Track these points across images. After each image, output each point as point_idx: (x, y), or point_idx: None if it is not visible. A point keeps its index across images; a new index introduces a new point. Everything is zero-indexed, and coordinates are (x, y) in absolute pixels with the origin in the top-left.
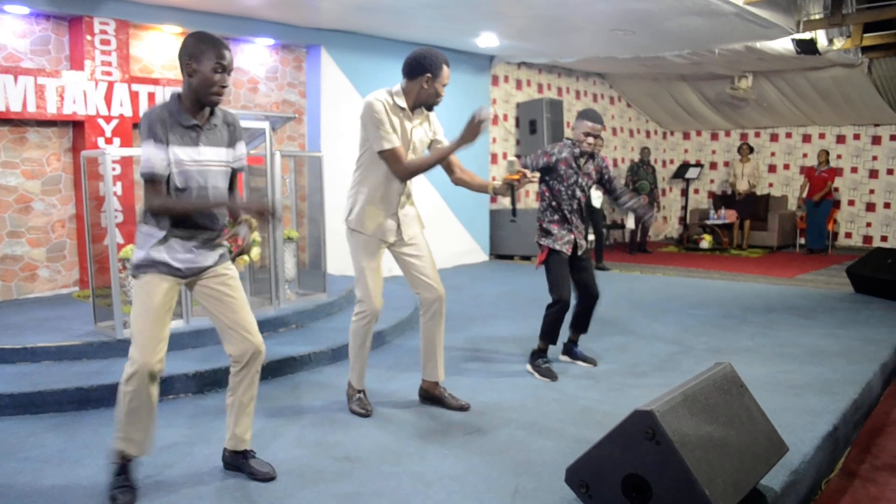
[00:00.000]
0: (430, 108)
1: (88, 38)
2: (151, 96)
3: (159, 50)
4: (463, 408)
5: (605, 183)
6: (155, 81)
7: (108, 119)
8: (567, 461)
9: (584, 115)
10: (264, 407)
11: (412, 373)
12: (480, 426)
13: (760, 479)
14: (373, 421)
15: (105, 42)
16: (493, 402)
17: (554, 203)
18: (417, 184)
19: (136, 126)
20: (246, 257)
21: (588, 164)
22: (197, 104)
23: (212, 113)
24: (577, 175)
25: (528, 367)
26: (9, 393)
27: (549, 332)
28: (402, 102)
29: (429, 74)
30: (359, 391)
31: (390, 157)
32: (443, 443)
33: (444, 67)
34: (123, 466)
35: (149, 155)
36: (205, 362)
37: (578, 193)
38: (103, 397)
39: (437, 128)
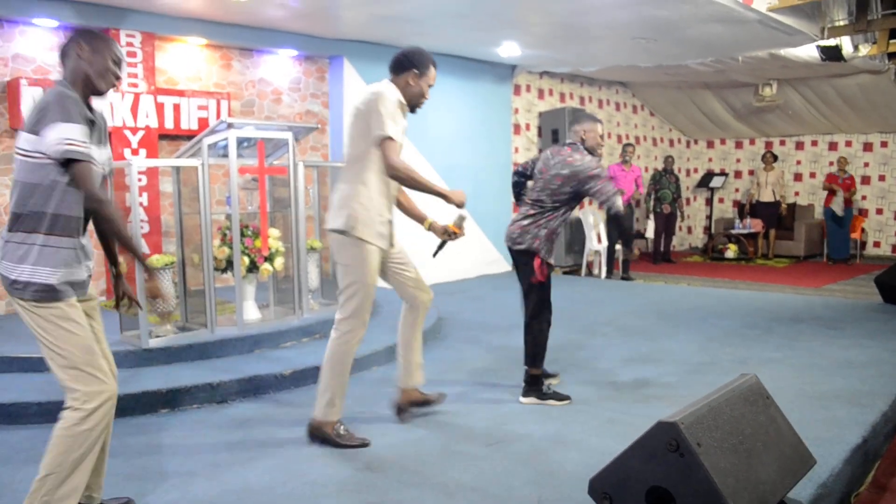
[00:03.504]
0: (412, 110)
1: None
2: (177, 107)
3: (184, 62)
4: (441, 396)
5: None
6: (180, 93)
7: (134, 130)
8: (590, 472)
9: (588, 117)
10: (288, 416)
11: (433, 382)
12: (502, 437)
13: (788, 493)
14: (394, 431)
15: (131, 54)
16: (515, 412)
17: (562, 220)
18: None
19: (161, 137)
20: (269, 267)
21: None
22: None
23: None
24: None
25: (532, 400)
26: (36, 402)
27: (541, 353)
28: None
29: (415, 70)
30: (337, 422)
31: (391, 147)
32: (465, 453)
33: (432, 67)
34: None
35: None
36: (228, 372)
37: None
38: (129, 406)
39: None
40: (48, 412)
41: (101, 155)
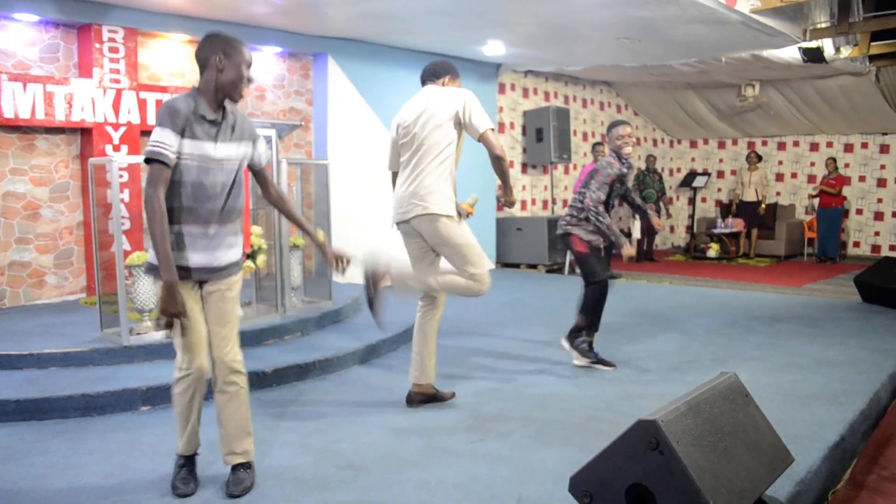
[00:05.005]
0: None
1: (97, 45)
2: (159, 104)
3: (167, 57)
4: (452, 394)
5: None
6: (163, 89)
7: (115, 126)
8: (571, 470)
9: (614, 123)
10: (269, 414)
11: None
12: (485, 434)
13: (766, 490)
14: (377, 429)
15: (113, 50)
16: (497, 410)
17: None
18: None
19: (143, 134)
20: (251, 264)
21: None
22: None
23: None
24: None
25: (566, 344)
26: (15, 399)
27: (588, 307)
28: None
29: (449, 76)
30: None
31: (494, 135)
32: (447, 451)
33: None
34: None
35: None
36: None
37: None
38: (109, 404)
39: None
40: (26, 410)
41: (217, 151)
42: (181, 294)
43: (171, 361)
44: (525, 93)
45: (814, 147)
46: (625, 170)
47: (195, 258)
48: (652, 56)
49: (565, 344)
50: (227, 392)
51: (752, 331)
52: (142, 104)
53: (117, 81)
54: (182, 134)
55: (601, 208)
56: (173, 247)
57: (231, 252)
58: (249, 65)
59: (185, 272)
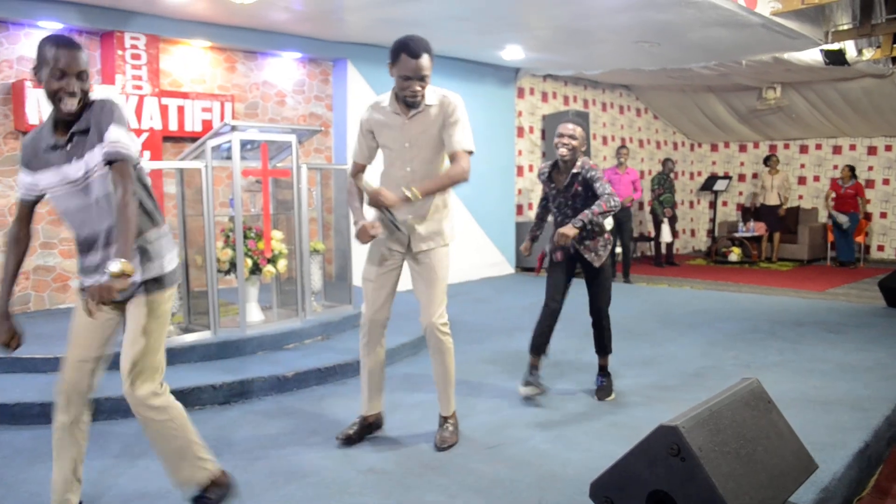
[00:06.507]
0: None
1: (119, 52)
2: (181, 110)
3: (188, 64)
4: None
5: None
6: (184, 95)
7: (138, 132)
8: (592, 476)
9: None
10: (289, 418)
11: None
12: (504, 439)
13: (789, 497)
14: (397, 434)
15: (136, 56)
16: (517, 414)
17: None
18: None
19: (165, 139)
20: (272, 268)
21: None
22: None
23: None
24: (558, 196)
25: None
26: (39, 402)
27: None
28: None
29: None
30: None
31: (469, 159)
32: (467, 455)
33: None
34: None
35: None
36: (230, 373)
37: (569, 213)
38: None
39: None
40: (50, 413)
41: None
42: None
43: (193, 365)
44: (544, 97)
45: (836, 150)
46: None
47: None
48: (671, 59)
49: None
50: None
51: (774, 336)
52: (164, 110)
53: (139, 88)
54: None
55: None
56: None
57: None
58: (62, 72)
59: None
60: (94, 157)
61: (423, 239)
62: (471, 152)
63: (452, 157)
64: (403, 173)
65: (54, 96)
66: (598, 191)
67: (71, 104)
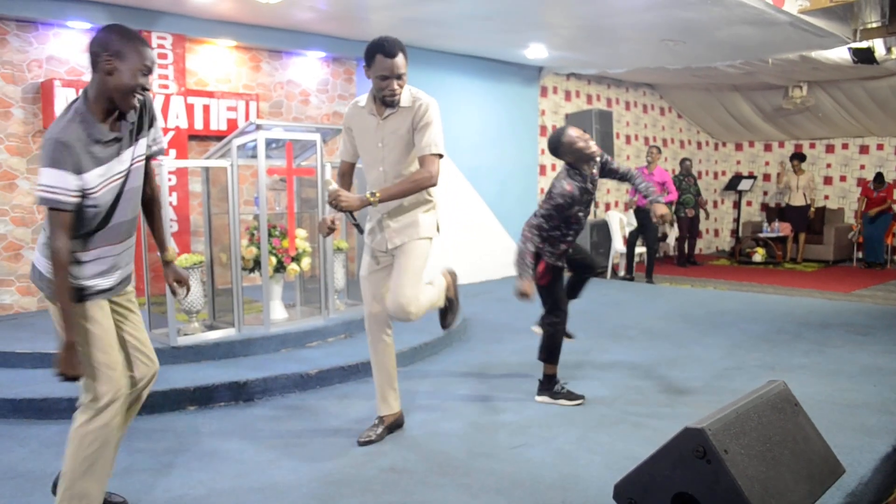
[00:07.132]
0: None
1: None
2: (206, 109)
3: (214, 63)
4: None
5: (609, 174)
6: (210, 94)
7: (164, 131)
8: (615, 477)
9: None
10: (312, 417)
11: (458, 383)
12: (527, 440)
13: (816, 501)
14: (419, 433)
15: (162, 56)
16: (539, 414)
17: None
18: (464, 193)
19: (191, 138)
20: (296, 267)
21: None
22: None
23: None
24: (585, 195)
25: (545, 398)
26: (67, 397)
27: (554, 351)
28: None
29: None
30: None
31: (438, 163)
32: (489, 456)
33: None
34: None
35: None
36: (254, 370)
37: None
38: (157, 403)
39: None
40: (76, 408)
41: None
42: None
43: (218, 362)
44: (567, 96)
45: (863, 150)
46: (576, 193)
47: None
48: (696, 58)
49: (542, 398)
50: None
51: (799, 337)
52: (189, 109)
53: (165, 87)
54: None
55: (534, 232)
56: None
57: None
58: (150, 69)
59: None
60: (139, 148)
61: (398, 233)
62: (440, 156)
63: (421, 161)
64: (377, 173)
65: (131, 91)
66: (627, 174)
67: (138, 100)
